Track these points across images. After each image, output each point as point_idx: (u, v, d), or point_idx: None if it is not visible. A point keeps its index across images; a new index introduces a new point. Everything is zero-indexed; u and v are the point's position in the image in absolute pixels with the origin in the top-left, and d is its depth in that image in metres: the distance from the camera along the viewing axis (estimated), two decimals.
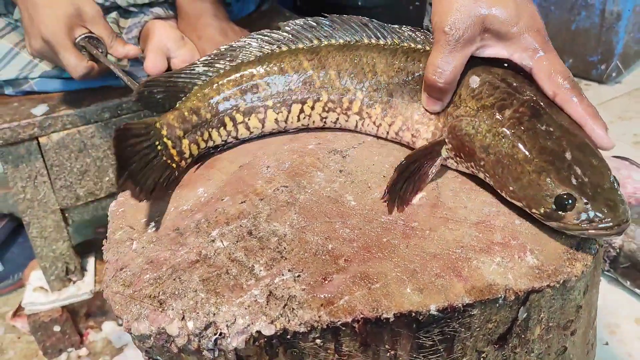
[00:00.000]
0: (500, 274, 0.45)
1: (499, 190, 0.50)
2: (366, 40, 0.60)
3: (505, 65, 0.55)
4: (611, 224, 0.44)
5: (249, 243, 0.49)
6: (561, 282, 0.45)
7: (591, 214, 0.45)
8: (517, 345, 0.47)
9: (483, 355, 0.46)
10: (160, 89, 0.61)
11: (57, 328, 1.04)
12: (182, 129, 0.59)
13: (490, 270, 0.45)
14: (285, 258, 0.47)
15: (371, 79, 0.59)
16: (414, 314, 0.42)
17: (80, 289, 1.04)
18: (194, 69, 0.62)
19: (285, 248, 0.48)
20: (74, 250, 1.02)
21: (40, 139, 0.88)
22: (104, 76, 0.92)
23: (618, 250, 1.00)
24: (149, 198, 0.54)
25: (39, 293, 1.03)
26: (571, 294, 0.47)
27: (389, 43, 0.59)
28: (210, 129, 0.60)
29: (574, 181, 0.46)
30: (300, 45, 0.62)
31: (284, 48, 0.62)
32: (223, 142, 0.62)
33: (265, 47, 0.62)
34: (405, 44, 0.59)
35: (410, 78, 0.57)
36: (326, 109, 0.61)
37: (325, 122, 0.62)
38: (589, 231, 0.45)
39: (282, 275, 0.46)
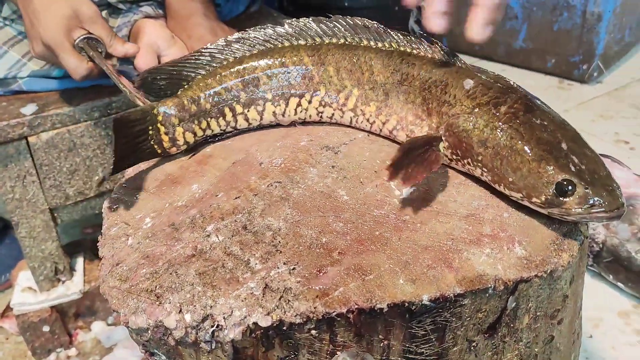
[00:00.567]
0: (489, 265, 0.46)
1: (495, 185, 0.52)
2: (365, 42, 0.61)
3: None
4: (610, 207, 0.46)
5: (244, 237, 0.50)
6: (548, 272, 0.46)
7: (591, 199, 0.46)
8: (506, 334, 0.48)
9: (473, 344, 0.47)
10: (164, 77, 0.62)
11: (46, 328, 1.04)
12: (178, 116, 0.61)
13: (480, 261, 0.46)
14: (280, 251, 0.48)
15: (368, 77, 0.60)
16: (407, 304, 0.43)
17: (69, 289, 1.04)
18: (198, 59, 0.63)
19: (280, 242, 0.49)
20: (62, 250, 1.02)
21: (30, 139, 0.88)
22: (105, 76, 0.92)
23: (601, 245, 1.02)
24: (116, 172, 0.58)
25: (27, 293, 1.03)
26: (558, 284, 0.48)
27: (387, 45, 0.61)
28: (209, 119, 0.62)
29: (572, 168, 0.48)
30: (302, 42, 0.63)
31: (287, 43, 0.63)
32: (221, 132, 0.64)
33: (270, 40, 0.63)
34: (402, 48, 0.60)
35: (404, 79, 0.58)
36: (323, 103, 0.63)
37: (321, 116, 0.64)
38: (590, 215, 0.47)
39: (278, 268, 0.46)
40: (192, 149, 0.63)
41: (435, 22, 0.54)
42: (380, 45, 0.61)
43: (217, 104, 0.62)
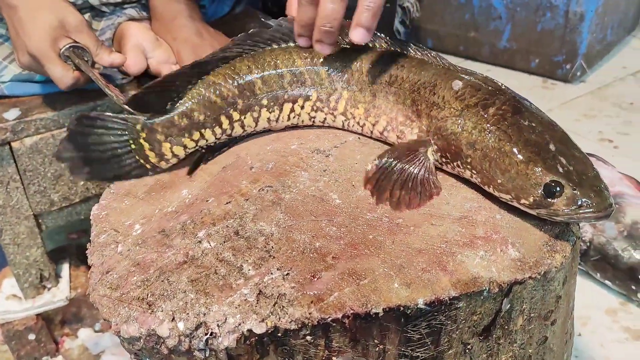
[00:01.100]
0: (484, 267, 0.46)
1: (485, 186, 0.52)
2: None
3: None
4: (598, 208, 0.46)
5: (237, 243, 0.49)
6: (542, 273, 0.46)
7: (579, 199, 0.47)
8: (501, 336, 0.48)
9: (468, 347, 0.47)
10: (155, 95, 0.59)
11: (31, 336, 1.02)
12: (164, 133, 0.59)
13: (474, 263, 0.46)
14: (274, 257, 0.47)
15: (358, 78, 0.60)
16: (402, 308, 0.43)
17: (55, 296, 1.02)
18: (186, 73, 0.60)
19: (272, 247, 0.48)
20: (48, 256, 1.00)
21: (13, 144, 0.86)
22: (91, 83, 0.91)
23: (588, 243, 1.03)
24: (90, 179, 0.60)
25: (12, 301, 1.01)
26: (551, 285, 0.48)
27: (377, 47, 0.60)
28: (202, 129, 0.60)
29: (560, 169, 0.48)
30: (292, 44, 0.62)
31: (275, 46, 0.62)
32: (215, 141, 0.62)
33: (260, 45, 0.62)
34: (392, 49, 0.60)
35: (393, 81, 0.58)
36: (315, 108, 0.62)
37: (314, 121, 0.64)
38: (578, 216, 0.47)
39: (271, 273, 0.46)
40: (184, 160, 0.61)
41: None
42: (370, 45, 0.61)
43: (212, 114, 0.60)
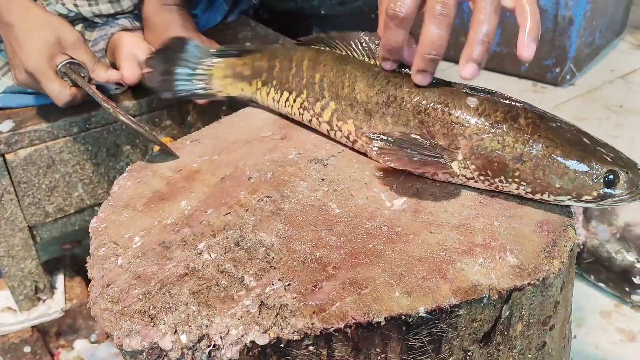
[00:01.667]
0: (483, 274, 0.46)
1: (537, 195, 0.52)
2: (361, 57, 0.62)
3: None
4: None
5: (237, 254, 0.49)
6: (541, 279, 0.47)
7: (634, 180, 0.50)
8: (501, 342, 0.49)
9: (469, 353, 0.48)
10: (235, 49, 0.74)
11: (27, 349, 1.01)
12: (226, 74, 0.73)
13: (473, 271, 0.47)
14: (275, 267, 0.48)
15: (348, 94, 0.60)
16: (404, 317, 0.44)
17: (51, 308, 1.01)
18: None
19: (273, 258, 0.49)
20: (42, 268, 0.99)
21: (7, 156, 0.86)
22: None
23: (582, 246, 1.04)
24: (167, 94, 0.73)
25: (7, 313, 1.00)
26: (550, 291, 0.49)
27: (372, 63, 0.61)
28: (244, 82, 0.73)
29: (608, 159, 0.50)
30: (315, 48, 0.67)
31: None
32: (250, 97, 0.73)
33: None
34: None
35: (391, 101, 0.57)
36: (303, 106, 0.64)
37: (302, 118, 0.66)
38: (636, 197, 0.50)
39: (273, 284, 0.46)
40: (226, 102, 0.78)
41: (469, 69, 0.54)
42: (371, 62, 0.61)
43: (252, 75, 0.71)
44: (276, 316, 0.44)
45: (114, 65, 0.95)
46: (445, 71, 1.88)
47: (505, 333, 0.48)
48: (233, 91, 0.73)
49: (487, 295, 0.45)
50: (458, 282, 0.46)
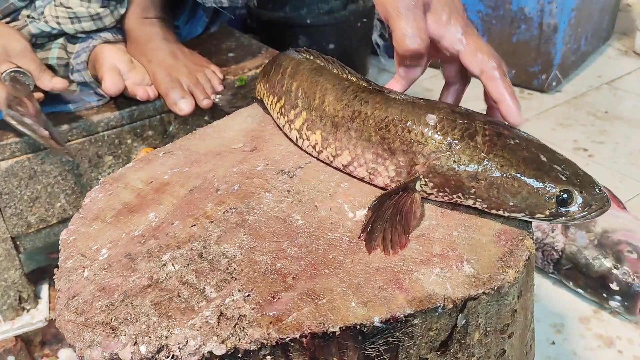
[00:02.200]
0: (439, 284, 0.47)
1: (492, 210, 0.53)
2: (333, 70, 0.64)
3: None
4: (603, 202, 0.51)
5: (200, 265, 0.50)
6: (495, 288, 0.48)
7: (587, 200, 0.51)
8: (458, 350, 0.50)
9: None
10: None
11: (11, 358, 1.02)
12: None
13: (429, 281, 0.48)
14: (235, 279, 0.49)
15: (318, 105, 0.61)
16: (358, 327, 0.45)
17: (35, 317, 1.02)
18: None
19: (235, 269, 0.50)
20: (26, 278, 1.00)
21: None
22: (56, 102, 0.92)
23: (560, 252, 1.05)
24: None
25: None
26: (506, 299, 0.50)
27: (347, 78, 0.62)
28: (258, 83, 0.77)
29: (563, 178, 0.51)
30: (305, 57, 0.68)
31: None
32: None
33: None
34: (360, 83, 0.60)
35: (356, 116, 0.58)
36: (281, 111, 0.67)
37: (279, 123, 0.68)
38: (590, 215, 0.51)
39: (233, 295, 0.47)
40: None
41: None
42: (344, 76, 0.62)
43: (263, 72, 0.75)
44: (234, 327, 0.45)
45: (97, 78, 0.97)
46: (434, 78, 1.89)
47: (463, 341, 0.49)
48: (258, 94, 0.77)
49: (441, 305, 0.46)
50: (414, 292, 0.47)
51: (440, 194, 0.55)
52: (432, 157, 0.54)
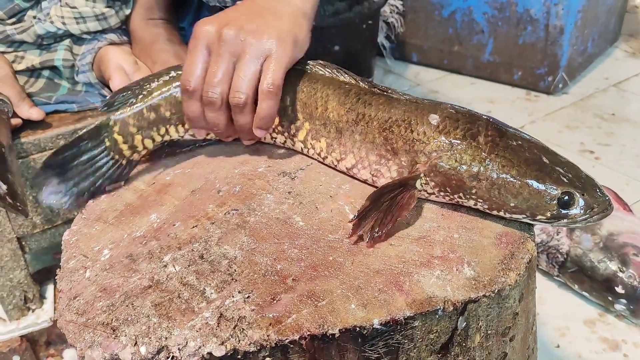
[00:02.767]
0: (439, 287, 0.47)
1: (494, 211, 0.53)
2: (329, 74, 0.62)
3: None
4: (605, 205, 0.51)
5: (201, 267, 0.51)
6: (496, 291, 0.48)
7: (589, 202, 0.50)
8: (459, 353, 0.49)
9: None
10: (128, 91, 0.63)
11: (16, 358, 1.03)
12: (136, 125, 0.63)
13: (430, 283, 0.48)
14: (236, 280, 0.49)
15: (321, 113, 0.60)
16: (358, 329, 0.44)
17: (40, 317, 1.03)
18: (157, 74, 0.65)
19: (235, 270, 0.50)
20: (32, 278, 1.01)
21: None
22: (61, 102, 0.93)
23: (565, 255, 1.04)
24: (78, 204, 0.61)
25: None
26: (507, 302, 0.50)
27: (346, 81, 0.60)
28: (168, 125, 0.64)
29: (565, 180, 0.51)
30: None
31: None
32: (179, 137, 0.66)
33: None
34: (360, 84, 0.60)
35: (360, 119, 0.58)
36: (276, 131, 0.63)
37: (275, 142, 0.65)
38: (592, 218, 0.51)
39: (233, 297, 0.47)
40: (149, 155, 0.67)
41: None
42: (341, 79, 0.61)
43: (177, 112, 0.63)
44: (234, 328, 0.45)
45: (102, 80, 0.97)
46: (440, 80, 1.89)
47: (464, 344, 0.49)
48: (150, 144, 0.68)
49: (441, 307, 0.46)
50: (414, 294, 0.47)
51: (442, 194, 0.54)
52: (433, 156, 0.54)
